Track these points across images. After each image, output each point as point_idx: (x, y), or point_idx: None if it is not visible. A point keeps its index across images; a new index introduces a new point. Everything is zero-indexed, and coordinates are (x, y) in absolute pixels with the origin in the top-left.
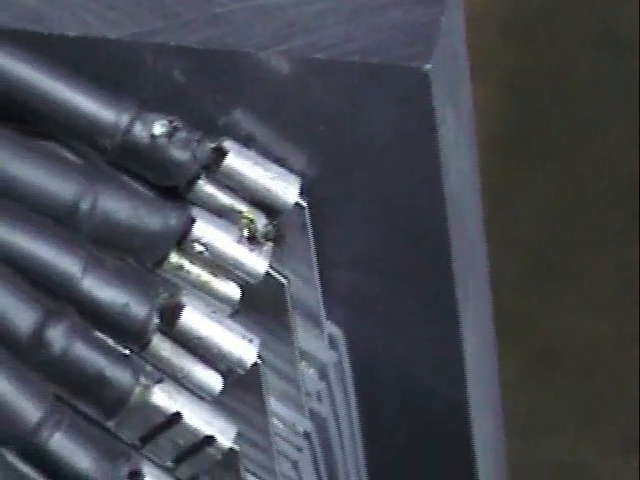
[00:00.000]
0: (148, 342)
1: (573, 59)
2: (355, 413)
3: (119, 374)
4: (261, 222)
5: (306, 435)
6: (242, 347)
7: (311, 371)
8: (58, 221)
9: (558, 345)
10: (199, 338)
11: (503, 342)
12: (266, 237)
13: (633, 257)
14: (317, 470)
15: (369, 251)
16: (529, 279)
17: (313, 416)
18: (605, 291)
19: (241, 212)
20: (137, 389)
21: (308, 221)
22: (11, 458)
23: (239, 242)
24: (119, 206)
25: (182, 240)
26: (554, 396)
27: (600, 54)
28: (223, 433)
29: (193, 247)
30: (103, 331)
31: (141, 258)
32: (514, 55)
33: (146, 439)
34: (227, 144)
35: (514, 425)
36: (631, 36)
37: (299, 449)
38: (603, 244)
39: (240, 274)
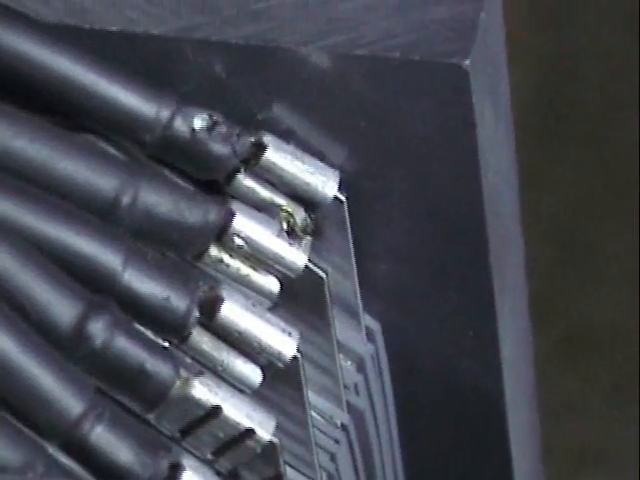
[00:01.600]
0: (188, 335)
1: (601, 42)
2: (392, 406)
3: (160, 367)
4: (300, 216)
5: (343, 427)
6: (282, 340)
7: (348, 364)
8: (99, 215)
9: (586, 328)
10: (239, 331)
11: (531, 324)
12: (305, 231)
13: None
14: (354, 462)
15: (407, 245)
16: (558, 263)
17: (350, 409)
18: (634, 274)
19: (280, 206)
20: (177, 382)
21: (347, 215)
22: (52, 451)
23: (278, 236)
24: (160, 200)
25: (222, 234)
26: (582, 379)
27: (630, 34)
28: (262, 426)
29: (233, 241)
30: (143, 324)
31: (181, 252)
32: (540, 39)
33: (186, 432)
34: (267, 138)
35: (542, 406)
36: None
37: (336, 441)
38: (632, 228)
39: (279, 268)
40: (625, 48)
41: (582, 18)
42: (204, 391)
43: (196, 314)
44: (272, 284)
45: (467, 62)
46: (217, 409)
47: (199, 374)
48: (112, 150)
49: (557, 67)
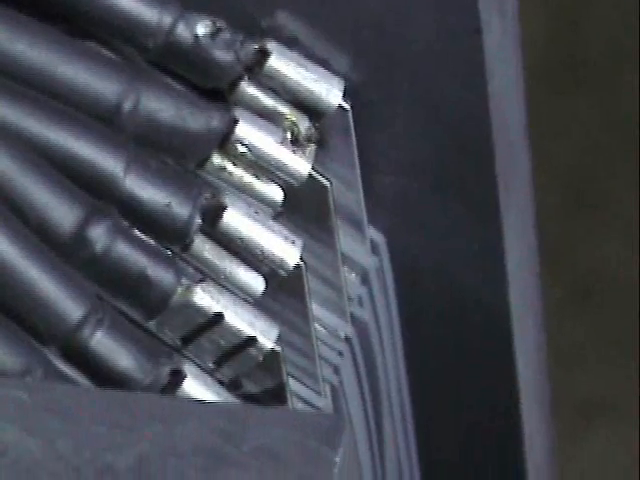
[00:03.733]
0: (190, 243)
1: None
2: (396, 319)
3: (161, 274)
4: (304, 124)
5: (347, 340)
6: (284, 248)
7: (352, 276)
8: (101, 120)
9: (596, 279)
10: (241, 239)
11: (542, 273)
12: (309, 139)
13: None
14: (358, 375)
15: (412, 155)
16: (569, 212)
17: (354, 321)
18: None
19: (284, 114)
20: (179, 289)
21: (351, 124)
22: (52, 357)
23: (282, 143)
24: (162, 106)
25: (224, 141)
26: (590, 329)
27: None
28: (265, 334)
29: (235, 148)
30: (145, 231)
31: (183, 159)
32: None
33: (187, 340)
34: (270, 45)
35: (551, 356)
36: None
37: (340, 353)
38: None
39: (282, 176)
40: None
41: None
42: (206, 298)
43: (198, 221)
44: (275, 192)
45: None
46: (219, 316)
47: (201, 281)
48: (114, 56)
49: (568, 16)
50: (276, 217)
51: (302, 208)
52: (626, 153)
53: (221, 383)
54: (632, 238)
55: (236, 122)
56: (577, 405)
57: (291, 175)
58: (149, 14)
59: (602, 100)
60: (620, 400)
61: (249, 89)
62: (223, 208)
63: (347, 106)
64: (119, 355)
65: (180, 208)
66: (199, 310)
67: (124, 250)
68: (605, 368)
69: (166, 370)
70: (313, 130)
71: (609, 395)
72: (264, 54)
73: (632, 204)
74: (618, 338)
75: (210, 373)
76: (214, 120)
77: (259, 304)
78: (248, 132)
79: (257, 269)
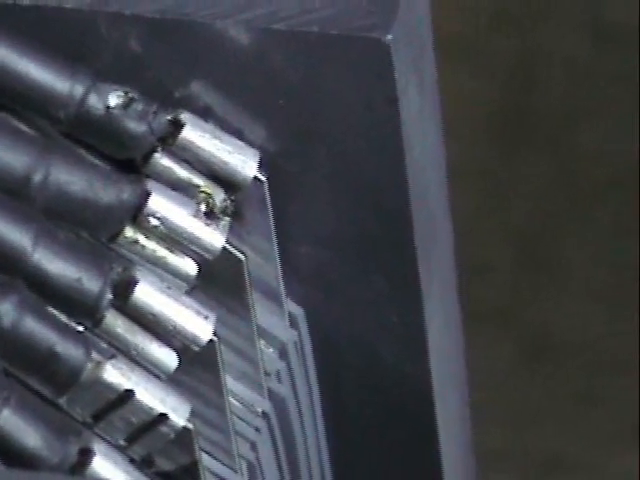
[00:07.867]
0: (101, 318)
1: (564, 50)
2: (316, 393)
3: (71, 350)
4: (219, 197)
5: (265, 416)
6: (197, 323)
7: (270, 350)
8: (9, 193)
9: (549, 335)
10: (153, 314)
11: (495, 332)
12: (224, 212)
13: (625, 246)
14: (276, 451)
15: (330, 227)
16: (521, 269)
17: (272, 396)
18: (597, 281)
19: (198, 186)
20: (89, 365)
21: (267, 196)
22: None
23: (195, 216)
24: (73, 178)
25: (137, 214)
26: (545, 386)
27: (590, 44)
28: (177, 411)
29: (148, 221)
30: (55, 306)
31: (95, 232)
32: (505, 46)
33: (98, 417)
34: (184, 116)
35: (505, 414)
36: (618, 26)
37: (257, 430)
38: (595, 237)
39: (196, 249)
40: (589, 55)
41: (544, 26)
42: (116, 375)
43: (109, 296)
44: (189, 266)
45: (389, 37)
46: (129, 393)
47: (112, 357)
48: (24, 127)
49: (520, 75)
50: (191, 291)
51: (217, 282)
52: (577, 212)
53: (133, 461)
54: (583, 296)
55: (148, 195)
56: (531, 463)
57: (205, 249)
58: (60, 85)
59: (552, 159)
60: (575, 458)
61: (162, 161)
62: (135, 282)
63: (263, 178)
64: (26, 433)
65: (91, 283)
66: (109, 387)
67: (32, 326)
68: (559, 426)
69: (75, 448)
70: (228, 202)
71: (563, 453)
72: (177, 125)
73: (583, 263)
74: (571, 395)
75: (121, 450)
76: (126, 193)
77: (172, 378)
78: (161, 205)
79: (170, 344)
